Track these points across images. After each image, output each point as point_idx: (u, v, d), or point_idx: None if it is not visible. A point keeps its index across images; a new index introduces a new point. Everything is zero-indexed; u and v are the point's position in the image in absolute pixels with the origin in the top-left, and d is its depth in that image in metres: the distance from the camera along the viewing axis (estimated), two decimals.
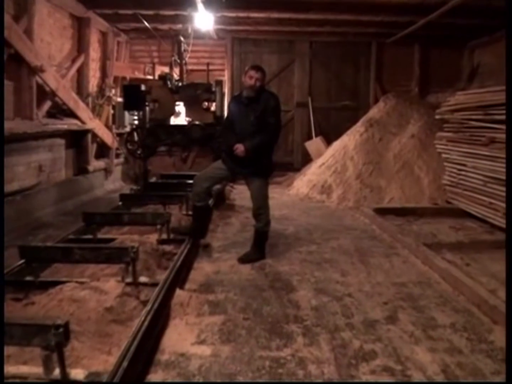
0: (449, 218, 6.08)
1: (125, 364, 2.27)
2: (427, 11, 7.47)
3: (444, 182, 6.63)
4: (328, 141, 9.83)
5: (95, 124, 8.45)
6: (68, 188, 7.64)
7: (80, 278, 3.77)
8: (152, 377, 2.56)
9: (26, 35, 6.09)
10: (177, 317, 3.30)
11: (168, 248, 4.59)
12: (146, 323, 2.73)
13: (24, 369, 2.33)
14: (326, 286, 3.90)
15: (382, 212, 6.42)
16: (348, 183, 7.64)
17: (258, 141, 4.40)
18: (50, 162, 7.28)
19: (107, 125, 9.19)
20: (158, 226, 4.68)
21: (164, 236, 4.70)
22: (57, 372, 2.21)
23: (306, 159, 10.23)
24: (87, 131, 8.20)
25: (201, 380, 2.52)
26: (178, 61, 8.18)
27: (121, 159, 9.85)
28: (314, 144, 10.26)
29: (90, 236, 4.71)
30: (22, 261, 3.62)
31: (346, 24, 9.07)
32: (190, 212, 5.87)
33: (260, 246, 4.71)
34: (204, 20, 8.24)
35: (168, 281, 3.43)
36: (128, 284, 3.47)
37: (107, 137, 9.04)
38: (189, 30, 9.04)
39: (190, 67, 10.15)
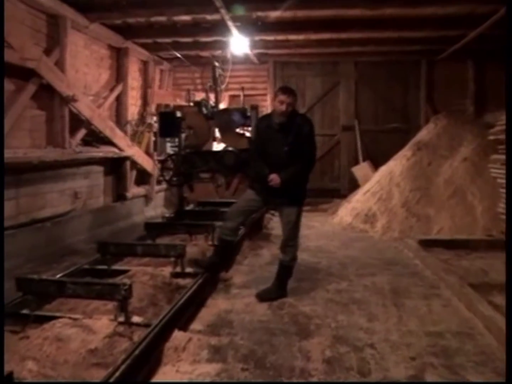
0: (505, 252, 5.33)
1: None
2: (478, 22, 6.87)
3: (500, 210, 5.89)
4: (377, 166, 9.24)
5: (134, 151, 8.45)
6: (104, 215, 7.60)
7: (82, 311, 3.62)
8: None
9: (58, 66, 6.16)
10: (169, 363, 2.96)
11: (182, 282, 4.30)
12: (117, 373, 2.40)
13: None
14: (347, 333, 3.40)
15: (429, 244, 5.79)
16: (394, 212, 7.04)
17: (294, 172, 4.04)
18: (86, 189, 7.29)
19: (147, 152, 9.19)
20: (172, 259, 4.40)
21: (179, 269, 4.40)
22: None
23: (353, 185, 9.67)
24: (125, 158, 8.20)
25: None
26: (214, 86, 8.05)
27: (164, 186, 9.78)
28: (361, 169, 9.74)
29: (104, 267, 4.52)
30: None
31: (391, 42, 8.60)
32: (216, 243, 5.60)
33: (282, 282, 4.27)
34: (239, 44, 8.08)
35: (162, 322, 3.09)
36: (121, 323, 3.18)
37: (147, 164, 9.03)
38: (228, 56, 8.98)
39: (231, 93, 10.09)
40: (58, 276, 4.12)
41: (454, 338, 3.29)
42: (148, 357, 2.80)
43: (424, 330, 3.43)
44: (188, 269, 4.41)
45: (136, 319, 3.20)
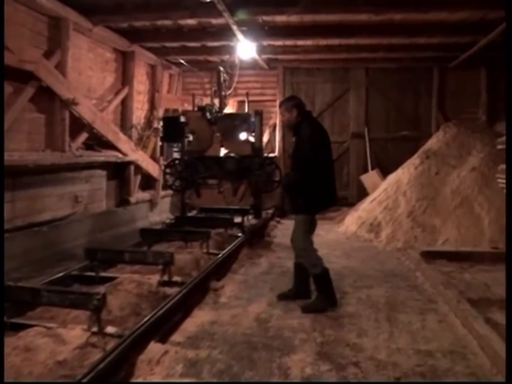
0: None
1: None
2: (489, 29, 6.64)
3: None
4: (387, 174, 9.03)
5: (139, 156, 8.39)
6: (106, 219, 7.53)
7: (63, 319, 3.54)
8: None
9: (58, 69, 6.12)
10: (140, 377, 2.83)
11: (170, 291, 4.17)
12: None
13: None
14: (332, 350, 3.22)
15: (432, 256, 5.59)
16: (399, 221, 6.83)
17: (288, 178, 4.25)
18: (88, 193, 7.23)
19: (153, 157, 9.13)
20: (160, 266, 4.29)
21: (166, 277, 4.29)
22: None
23: (362, 193, 9.47)
24: (129, 163, 8.14)
25: None
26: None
27: (171, 191, 9.70)
28: (370, 177, 9.53)
29: (93, 274, 4.45)
30: None
31: (402, 49, 8.41)
32: (211, 251, 5.49)
33: (322, 292, 4.07)
34: (247, 49, 7.98)
35: (136, 333, 2.97)
36: (94, 333, 3.08)
37: (152, 168, 8.97)
38: (236, 61, 8.89)
39: (240, 98, 9.98)
40: (44, 281, 4.09)
41: (445, 357, 3.09)
42: (116, 370, 2.68)
43: (414, 348, 3.24)
44: (176, 278, 4.30)
45: (109, 329, 3.09)
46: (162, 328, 3.36)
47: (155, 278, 4.34)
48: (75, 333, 3.09)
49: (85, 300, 3.06)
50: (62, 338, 3.01)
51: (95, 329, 3.07)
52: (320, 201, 4.17)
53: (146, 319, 3.19)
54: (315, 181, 4.04)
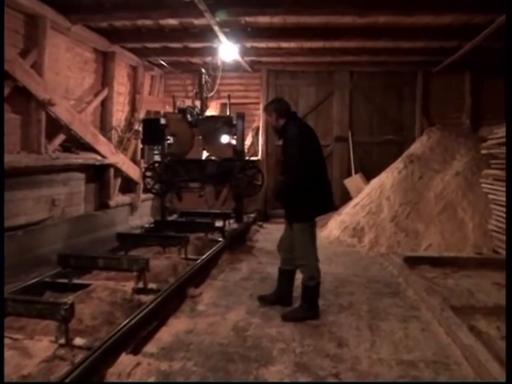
0: (494, 271, 5.01)
1: None
2: (474, 33, 6.62)
3: (491, 227, 5.61)
4: (370, 178, 8.98)
5: (119, 159, 8.20)
6: (84, 223, 7.33)
7: (32, 329, 3.37)
8: None
9: (35, 68, 5.92)
10: None
11: (145, 298, 4.03)
12: None
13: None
14: (312, 361, 3.11)
15: (415, 261, 5.51)
16: (382, 226, 6.76)
17: (280, 183, 4.05)
18: (65, 196, 7.02)
19: (134, 160, 8.95)
20: (135, 273, 4.13)
21: (141, 284, 4.14)
22: None
23: (346, 197, 9.39)
24: (108, 166, 7.95)
25: None
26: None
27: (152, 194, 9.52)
28: (353, 181, 9.47)
29: (65, 280, 4.28)
30: None
31: (386, 52, 8.34)
32: (190, 256, 5.35)
33: (306, 303, 3.95)
34: (229, 51, 7.86)
35: (105, 345, 2.82)
36: (63, 345, 2.92)
37: (133, 171, 8.78)
38: (218, 63, 8.77)
39: (223, 101, 9.86)
40: (14, 289, 3.91)
41: (427, 368, 3.00)
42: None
43: (396, 358, 3.14)
44: (151, 285, 4.15)
45: (78, 341, 2.93)
46: (135, 338, 3.21)
47: (130, 285, 4.20)
48: (42, 345, 2.96)
49: (52, 310, 2.91)
50: (28, 350, 2.88)
51: (62, 340, 2.91)
52: (316, 206, 3.96)
53: (117, 329, 3.04)
54: (309, 184, 3.83)
